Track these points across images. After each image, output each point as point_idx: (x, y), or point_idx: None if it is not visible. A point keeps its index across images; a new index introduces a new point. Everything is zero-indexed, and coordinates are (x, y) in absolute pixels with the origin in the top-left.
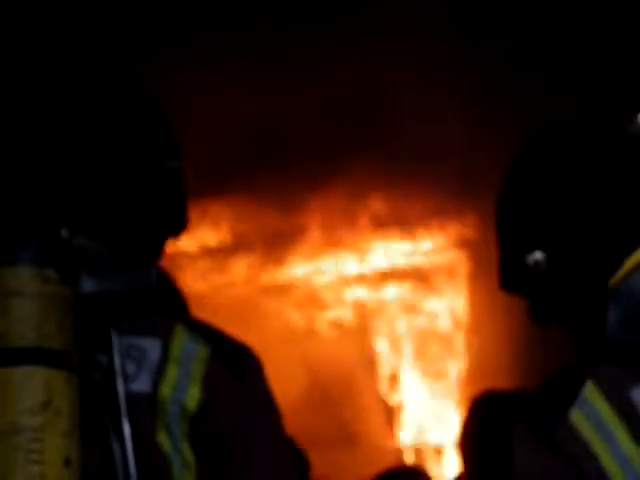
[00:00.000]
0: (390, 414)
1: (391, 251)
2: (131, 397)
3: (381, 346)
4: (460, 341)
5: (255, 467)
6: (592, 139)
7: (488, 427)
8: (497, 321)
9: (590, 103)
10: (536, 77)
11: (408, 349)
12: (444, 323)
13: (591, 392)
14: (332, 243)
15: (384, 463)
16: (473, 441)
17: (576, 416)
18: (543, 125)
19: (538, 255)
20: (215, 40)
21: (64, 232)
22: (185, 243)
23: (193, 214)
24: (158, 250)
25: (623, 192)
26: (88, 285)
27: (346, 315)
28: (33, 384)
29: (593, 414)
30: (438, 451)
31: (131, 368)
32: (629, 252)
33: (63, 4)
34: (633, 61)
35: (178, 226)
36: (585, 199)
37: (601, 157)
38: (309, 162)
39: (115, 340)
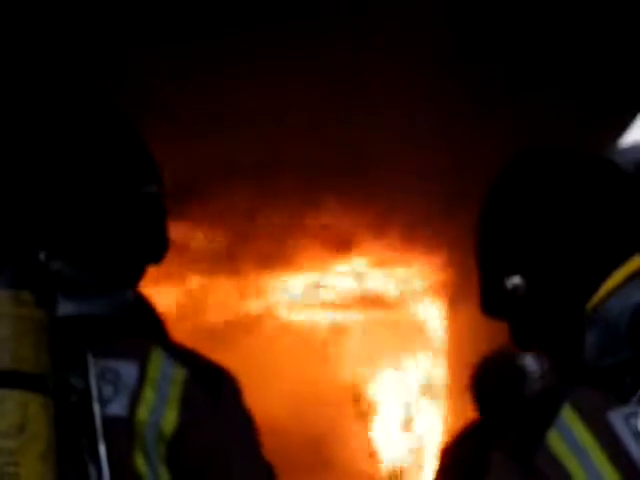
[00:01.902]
0: (368, 438)
1: (369, 274)
2: (107, 420)
3: (360, 370)
4: (441, 363)
5: None
6: (569, 166)
7: (463, 457)
8: (478, 345)
9: (581, 119)
10: (523, 100)
11: (388, 373)
12: (424, 346)
13: (569, 415)
14: (307, 265)
15: None
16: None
17: (553, 439)
18: (525, 148)
19: (516, 280)
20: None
21: (41, 255)
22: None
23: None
24: (137, 274)
25: (599, 218)
26: (64, 308)
27: (323, 338)
28: (8, 407)
29: (571, 437)
30: (418, 472)
31: (107, 391)
32: (605, 276)
33: (43, 26)
34: (627, 78)
35: (157, 251)
36: (562, 224)
37: (578, 183)
38: (295, 180)
39: (91, 363)
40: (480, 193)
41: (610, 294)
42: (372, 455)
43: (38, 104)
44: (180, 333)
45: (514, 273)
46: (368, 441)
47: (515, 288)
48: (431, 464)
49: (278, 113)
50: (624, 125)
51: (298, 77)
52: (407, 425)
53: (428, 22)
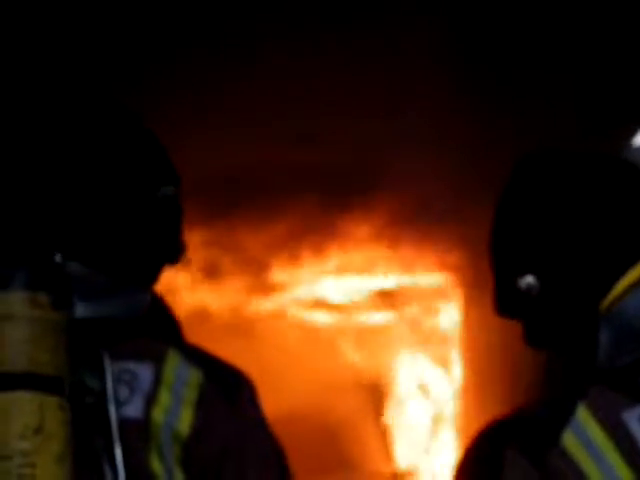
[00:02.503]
0: (386, 438)
1: (381, 274)
2: (123, 422)
3: (378, 369)
4: (455, 361)
5: None
6: (583, 164)
7: (483, 456)
8: (491, 342)
9: (588, 129)
10: (534, 101)
11: (404, 372)
12: (437, 344)
13: (584, 415)
14: (322, 266)
15: None
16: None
17: (569, 439)
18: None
19: (530, 279)
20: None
21: (57, 257)
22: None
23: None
24: (152, 276)
25: (613, 216)
26: (81, 310)
27: (338, 338)
28: (25, 409)
29: (586, 437)
30: (433, 474)
31: (123, 393)
32: (620, 275)
33: (56, 32)
34: (631, 85)
35: (173, 253)
36: (575, 223)
37: (591, 182)
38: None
39: (107, 365)
40: (493, 193)
41: (624, 293)
42: (388, 453)
43: (55, 108)
44: (193, 330)
45: (527, 273)
46: (384, 439)
47: (529, 288)
48: (446, 463)
49: (278, 117)
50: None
51: (298, 77)
52: (423, 424)
53: (440, 28)
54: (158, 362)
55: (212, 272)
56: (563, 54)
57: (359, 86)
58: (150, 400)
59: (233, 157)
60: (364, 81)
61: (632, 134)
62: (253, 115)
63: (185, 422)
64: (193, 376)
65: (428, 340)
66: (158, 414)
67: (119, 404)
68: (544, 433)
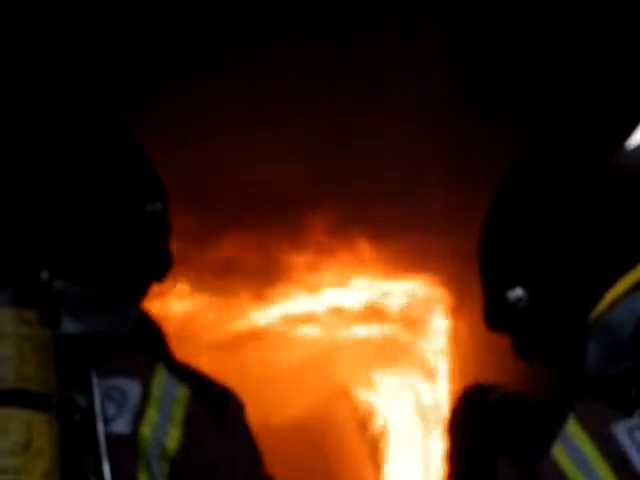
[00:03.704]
0: (373, 452)
1: (372, 289)
2: (111, 438)
3: (363, 384)
4: (443, 376)
5: None
6: (571, 177)
7: (474, 436)
8: (480, 354)
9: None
10: (524, 111)
11: (389, 388)
12: (427, 359)
13: (573, 428)
14: (311, 281)
15: None
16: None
17: (558, 452)
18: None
19: (519, 291)
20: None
21: (44, 274)
22: None
23: None
24: (140, 292)
25: (601, 229)
26: (68, 326)
27: (326, 352)
28: (13, 426)
29: (575, 450)
30: None
31: (111, 409)
32: (608, 287)
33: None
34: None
35: (161, 269)
36: (564, 236)
37: (580, 195)
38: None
39: (95, 381)
40: (481, 206)
41: (613, 305)
42: (377, 469)
43: (41, 121)
44: (182, 347)
45: (516, 285)
46: (373, 455)
47: (517, 300)
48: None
49: (270, 121)
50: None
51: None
52: (413, 447)
53: (432, 27)
54: (146, 378)
55: (198, 286)
56: (558, 51)
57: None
58: (138, 416)
59: (223, 172)
60: (353, 76)
61: (625, 136)
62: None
63: (173, 439)
64: (181, 392)
65: (417, 353)
66: (146, 430)
67: (107, 420)
68: (534, 445)
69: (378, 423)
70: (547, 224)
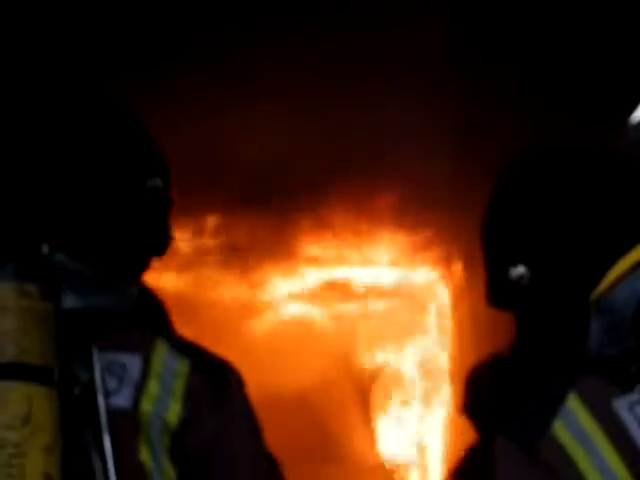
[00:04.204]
0: (374, 429)
1: (374, 267)
2: (112, 412)
3: (367, 361)
4: (444, 358)
5: None
6: (574, 157)
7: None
8: (479, 334)
9: (586, 124)
10: (529, 93)
11: (393, 364)
12: (429, 335)
13: (574, 404)
14: (314, 256)
15: (367, 478)
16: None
17: (558, 428)
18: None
19: (521, 269)
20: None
21: (44, 249)
22: None
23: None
24: (140, 267)
25: (603, 208)
26: (69, 301)
27: (329, 330)
28: (13, 399)
29: (575, 426)
30: (421, 465)
31: (112, 384)
32: (610, 266)
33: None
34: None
35: (160, 245)
36: (567, 214)
37: (583, 174)
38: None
39: (96, 356)
40: (485, 184)
41: (615, 283)
42: (375, 447)
43: (42, 98)
44: (184, 322)
45: (519, 263)
46: (372, 433)
47: (520, 278)
48: (434, 458)
49: (280, 102)
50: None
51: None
52: (411, 419)
53: (436, 11)
54: (146, 353)
55: (201, 261)
56: (563, 34)
57: (351, 72)
58: (139, 390)
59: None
60: (356, 66)
61: (627, 115)
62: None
63: (174, 413)
64: (181, 367)
65: (417, 332)
66: (147, 404)
67: (108, 395)
68: (534, 422)
69: (377, 400)
70: (550, 203)
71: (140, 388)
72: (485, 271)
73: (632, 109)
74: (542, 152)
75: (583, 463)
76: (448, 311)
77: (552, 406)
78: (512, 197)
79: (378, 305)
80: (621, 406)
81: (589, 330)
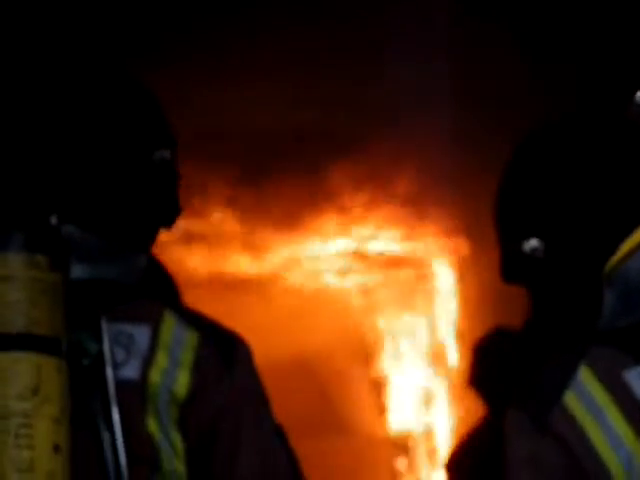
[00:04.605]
0: (380, 401)
1: (381, 237)
2: (120, 384)
3: (373, 332)
4: (450, 331)
5: (244, 454)
6: (589, 128)
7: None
8: (487, 310)
9: (589, 101)
10: (539, 63)
11: (400, 335)
12: (434, 310)
13: (585, 375)
14: (322, 226)
15: (375, 451)
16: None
17: (570, 399)
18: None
19: (534, 242)
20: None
21: (53, 219)
22: None
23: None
24: (149, 239)
25: (617, 178)
26: (78, 272)
27: (333, 301)
28: (22, 370)
29: (586, 396)
30: (428, 436)
31: (120, 355)
32: (624, 237)
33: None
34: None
35: (169, 216)
36: (580, 186)
37: (596, 145)
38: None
39: (104, 327)
40: (495, 157)
41: (629, 254)
42: (382, 417)
43: (52, 71)
44: (190, 294)
45: (532, 236)
46: (378, 403)
47: (533, 251)
48: (441, 429)
49: (283, 72)
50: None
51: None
52: (417, 390)
53: None
54: (155, 324)
55: (206, 233)
56: (566, 4)
57: (354, 43)
58: (147, 362)
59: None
60: (360, 40)
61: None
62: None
63: (182, 384)
64: (189, 338)
65: (422, 304)
66: (155, 376)
67: (116, 366)
68: (546, 393)
69: (384, 371)
70: (564, 174)
71: (148, 359)
72: (498, 245)
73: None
74: (556, 124)
75: (594, 434)
76: (454, 283)
77: (564, 378)
78: (525, 170)
79: (384, 277)
80: (633, 377)
81: (602, 301)
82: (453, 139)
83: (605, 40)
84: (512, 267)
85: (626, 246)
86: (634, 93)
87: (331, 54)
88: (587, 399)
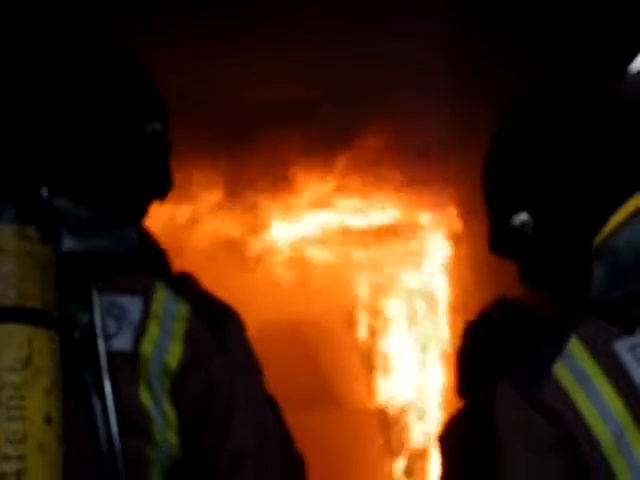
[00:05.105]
0: (370, 375)
1: (370, 211)
2: (112, 355)
3: (365, 304)
4: (442, 301)
5: (237, 424)
6: (577, 101)
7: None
8: (480, 279)
9: (587, 60)
10: (534, 33)
11: (392, 307)
12: (428, 282)
13: (574, 346)
14: (317, 199)
15: (366, 423)
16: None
17: (559, 369)
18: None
19: (524, 216)
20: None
21: (44, 192)
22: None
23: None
24: (141, 211)
25: (606, 153)
26: (68, 244)
27: (326, 271)
28: (14, 342)
29: (576, 368)
30: (421, 410)
31: (112, 326)
32: (613, 211)
33: None
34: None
35: (161, 188)
36: (569, 160)
37: (585, 118)
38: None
39: (96, 298)
40: (487, 129)
41: (618, 228)
42: (373, 390)
43: (41, 40)
44: (182, 262)
45: (521, 210)
46: (371, 377)
47: (522, 225)
48: (434, 403)
49: (279, 39)
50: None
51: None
52: (411, 363)
53: None
54: (147, 296)
55: (202, 204)
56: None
57: (349, 9)
58: (139, 333)
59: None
60: (358, 5)
61: (629, 61)
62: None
63: (174, 356)
64: (181, 310)
65: (414, 274)
66: (147, 347)
67: (108, 337)
68: (535, 365)
69: (376, 344)
70: (552, 148)
71: (140, 331)
72: (487, 219)
73: (632, 55)
74: (542, 96)
75: (584, 405)
76: (446, 253)
77: (554, 349)
78: (513, 143)
79: (377, 249)
80: (622, 348)
81: (591, 275)
82: (447, 111)
83: (599, 17)
84: (501, 241)
85: (614, 221)
86: (626, 65)
87: (323, 26)
88: (577, 370)
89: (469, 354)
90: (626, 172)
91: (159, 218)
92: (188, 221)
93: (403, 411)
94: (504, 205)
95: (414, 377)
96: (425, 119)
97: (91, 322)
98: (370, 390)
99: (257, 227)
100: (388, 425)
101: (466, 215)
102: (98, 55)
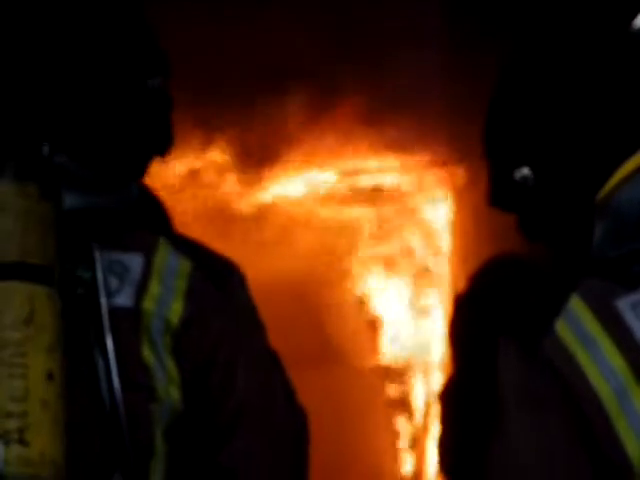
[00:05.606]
0: (373, 332)
1: (372, 171)
2: (114, 312)
3: (365, 264)
4: (444, 261)
5: (241, 379)
6: (578, 53)
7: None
8: (482, 238)
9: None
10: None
11: (392, 266)
12: (426, 241)
13: (576, 304)
14: (312, 160)
15: (367, 381)
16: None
17: (561, 328)
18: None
19: (525, 171)
20: None
21: (44, 149)
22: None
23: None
24: (141, 168)
25: (609, 107)
26: (70, 201)
27: (326, 232)
28: (15, 299)
29: (578, 325)
30: (424, 368)
31: (114, 283)
32: (615, 167)
33: None
34: None
35: (162, 145)
36: (571, 114)
37: (587, 71)
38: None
39: (97, 255)
40: (487, 85)
41: (620, 185)
42: (376, 348)
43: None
44: (186, 222)
45: (523, 165)
46: (373, 336)
47: (524, 179)
48: (436, 358)
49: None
50: None
51: None
52: (411, 320)
53: None
54: (148, 253)
55: (199, 160)
56: None
57: None
58: (140, 290)
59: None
60: None
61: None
62: None
63: (176, 312)
64: (183, 266)
65: (417, 234)
66: (149, 304)
67: (109, 294)
68: (537, 322)
69: (376, 301)
70: (555, 99)
71: (142, 287)
72: (488, 173)
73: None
74: (544, 48)
75: (585, 362)
76: (449, 213)
77: (555, 307)
78: (514, 97)
79: (378, 205)
80: (624, 305)
81: (593, 231)
82: (447, 67)
83: None
84: (502, 196)
85: (617, 177)
86: (631, 17)
87: None
88: (578, 328)
89: (467, 328)
90: (631, 127)
91: (158, 176)
92: (187, 179)
93: (407, 365)
94: (505, 160)
95: (415, 331)
96: (423, 76)
97: (93, 279)
98: (372, 343)
99: (256, 185)
100: (391, 380)
101: (470, 173)
102: (100, 10)
